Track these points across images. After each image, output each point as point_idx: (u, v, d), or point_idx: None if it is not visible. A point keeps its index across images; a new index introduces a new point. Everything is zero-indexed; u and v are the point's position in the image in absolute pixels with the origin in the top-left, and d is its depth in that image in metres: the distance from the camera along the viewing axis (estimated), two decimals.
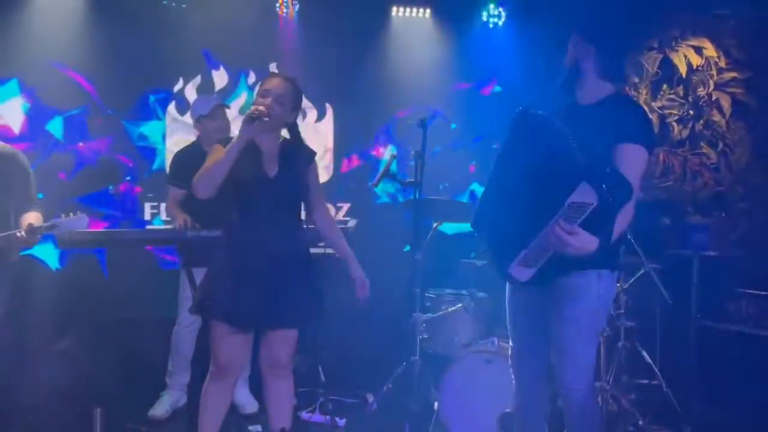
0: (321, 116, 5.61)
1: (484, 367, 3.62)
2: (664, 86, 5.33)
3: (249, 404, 4.07)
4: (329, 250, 4.10)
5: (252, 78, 5.39)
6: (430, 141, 3.67)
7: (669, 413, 3.91)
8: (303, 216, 3.04)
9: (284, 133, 2.98)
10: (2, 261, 3.50)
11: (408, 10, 5.70)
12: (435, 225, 4.22)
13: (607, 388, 3.79)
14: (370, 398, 4.15)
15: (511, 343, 2.86)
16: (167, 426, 3.93)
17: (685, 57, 5.20)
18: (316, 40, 5.24)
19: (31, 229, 3.32)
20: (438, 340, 4.08)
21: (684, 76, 5.21)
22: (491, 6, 5.78)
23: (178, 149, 4.22)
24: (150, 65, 5.06)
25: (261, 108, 2.74)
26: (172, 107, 5.24)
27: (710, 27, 5.05)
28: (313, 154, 3.00)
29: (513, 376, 2.85)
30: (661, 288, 4.02)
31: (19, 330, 3.96)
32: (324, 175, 5.39)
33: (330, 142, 5.62)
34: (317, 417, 3.98)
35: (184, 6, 5.12)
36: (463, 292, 4.21)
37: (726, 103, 4.96)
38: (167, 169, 4.38)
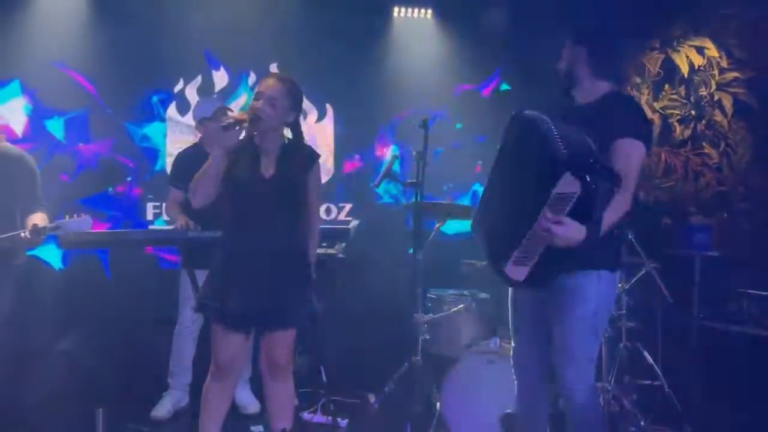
0: (321, 116, 5.61)
1: (486, 367, 3.62)
2: (666, 86, 5.33)
3: (251, 404, 4.07)
4: (330, 251, 4.13)
5: (253, 78, 5.39)
6: (433, 141, 3.67)
7: (671, 413, 3.90)
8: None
9: (289, 134, 2.98)
10: (7, 262, 3.52)
11: (409, 10, 5.71)
12: (437, 225, 4.23)
13: (609, 388, 3.78)
14: (372, 399, 4.15)
15: (512, 343, 2.87)
16: (169, 426, 3.94)
17: (686, 57, 5.20)
18: (317, 41, 5.24)
19: (36, 230, 3.33)
20: (440, 340, 4.07)
21: (686, 76, 5.21)
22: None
23: (180, 151, 4.22)
24: (151, 65, 5.06)
25: (235, 115, 2.78)
26: (172, 108, 5.25)
27: (712, 27, 5.04)
28: (315, 156, 2.99)
29: (514, 377, 2.85)
30: (663, 288, 4.02)
31: (21, 330, 3.97)
32: (325, 176, 5.39)
33: (330, 143, 5.62)
34: (319, 417, 3.98)
35: (186, 7, 5.12)
36: (465, 292, 4.21)
37: (728, 103, 4.96)
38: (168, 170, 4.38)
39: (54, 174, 4.85)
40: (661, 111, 5.33)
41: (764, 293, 4.19)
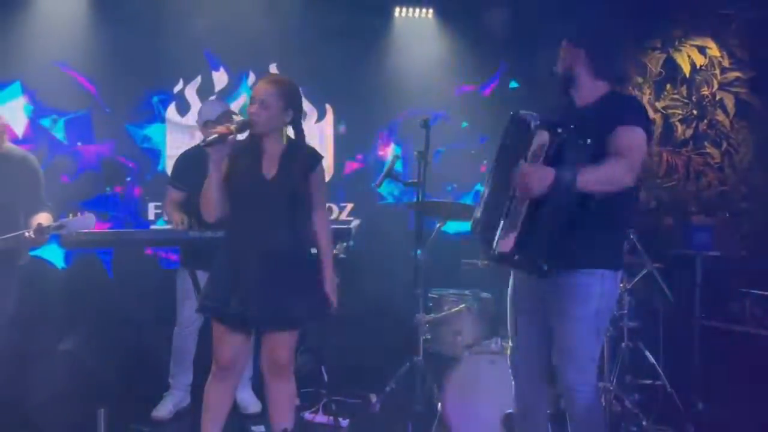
0: (321, 117, 5.61)
1: (488, 367, 3.62)
2: (668, 86, 5.32)
3: (252, 404, 4.07)
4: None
5: (252, 79, 5.38)
6: (435, 141, 3.67)
7: (673, 413, 3.90)
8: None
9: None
10: (11, 262, 3.52)
11: (410, 10, 5.70)
12: (438, 225, 4.22)
13: (611, 388, 3.78)
14: (374, 399, 4.15)
15: (510, 342, 2.86)
16: (170, 426, 3.94)
17: (688, 57, 5.20)
18: (318, 41, 5.23)
19: (40, 229, 3.34)
20: (441, 340, 4.07)
21: (687, 75, 5.21)
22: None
23: (181, 152, 4.21)
24: (152, 66, 5.06)
25: (219, 130, 2.78)
26: (171, 109, 5.24)
27: (714, 26, 5.04)
28: (318, 157, 2.99)
29: (512, 376, 2.85)
30: (665, 288, 4.02)
31: (22, 330, 3.97)
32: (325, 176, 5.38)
33: (330, 143, 5.62)
34: (320, 417, 3.98)
35: (186, 7, 5.12)
36: (466, 292, 4.21)
37: (730, 102, 4.95)
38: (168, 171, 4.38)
39: (55, 175, 4.85)
40: (662, 111, 5.33)
41: (766, 293, 4.19)
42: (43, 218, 3.44)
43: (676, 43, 5.26)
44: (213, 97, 5.16)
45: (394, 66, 5.64)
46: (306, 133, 3.07)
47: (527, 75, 5.64)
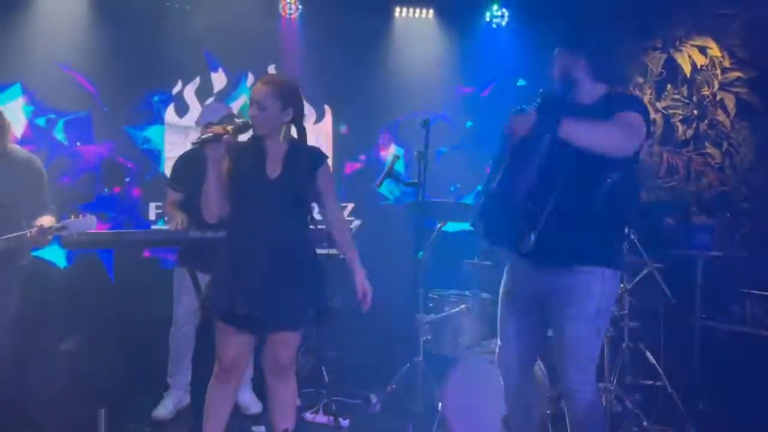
0: (320, 118, 5.61)
1: (488, 368, 3.60)
2: (669, 86, 5.32)
3: (252, 405, 4.07)
4: (333, 251, 4.11)
5: (251, 79, 5.39)
6: (437, 141, 3.67)
7: (673, 414, 3.90)
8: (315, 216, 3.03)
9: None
10: (13, 262, 3.52)
11: (410, 10, 5.70)
12: (439, 225, 4.22)
13: (611, 388, 3.78)
14: (374, 399, 4.15)
15: (498, 342, 2.86)
16: (171, 426, 3.94)
17: (689, 57, 5.19)
18: (317, 42, 5.24)
19: (41, 230, 3.34)
20: (441, 341, 4.07)
21: (688, 76, 5.20)
22: (494, 7, 5.77)
23: (179, 153, 4.21)
24: (152, 67, 5.06)
25: (214, 129, 2.79)
26: (170, 110, 5.24)
27: (714, 27, 5.03)
28: (322, 156, 2.98)
29: (500, 376, 2.85)
30: (665, 288, 4.01)
31: (23, 330, 3.97)
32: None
33: (330, 143, 5.62)
34: (321, 418, 3.98)
35: (187, 8, 5.12)
36: (467, 292, 4.21)
37: (730, 102, 4.95)
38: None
39: (55, 175, 4.86)
40: (663, 111, 5.32)
41: (766, 293, 4.19)
42: (46, 221, 3.44)
43: (677, 43, 5.26)
44: (213, 99, 5.16)
45: (395, 66, 5.64)
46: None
47: (534, 74, 5.63)
